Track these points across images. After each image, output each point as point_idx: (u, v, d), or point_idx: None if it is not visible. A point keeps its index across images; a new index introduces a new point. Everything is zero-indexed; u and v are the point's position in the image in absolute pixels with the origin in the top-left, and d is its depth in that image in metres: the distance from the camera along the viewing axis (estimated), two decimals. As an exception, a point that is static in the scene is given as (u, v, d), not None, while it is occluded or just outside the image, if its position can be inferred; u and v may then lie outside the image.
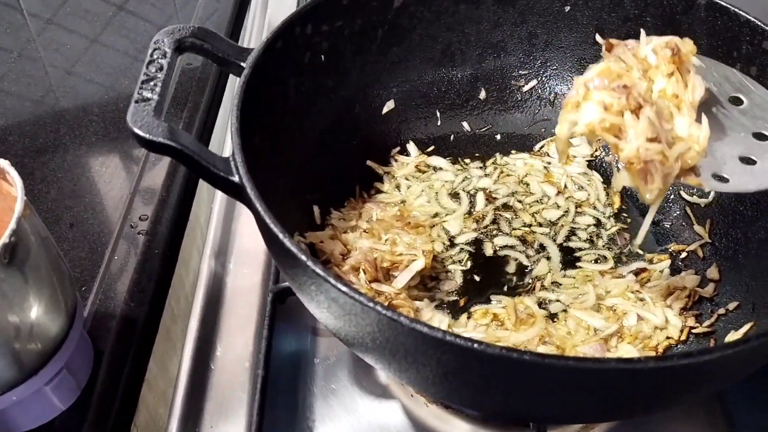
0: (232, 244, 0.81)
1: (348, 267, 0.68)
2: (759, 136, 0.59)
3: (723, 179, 0.57)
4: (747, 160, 0.58)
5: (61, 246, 0.78)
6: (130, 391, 0.69)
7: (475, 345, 0.42)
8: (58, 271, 0.61)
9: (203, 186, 0.90)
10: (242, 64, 0.62)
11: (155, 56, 0.58)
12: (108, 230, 0.80)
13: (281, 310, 0.72)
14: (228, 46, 0.63)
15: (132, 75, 1.02)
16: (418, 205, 0.79)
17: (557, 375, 0.43)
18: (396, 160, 0.83)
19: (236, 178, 0.53)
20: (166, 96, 0.56)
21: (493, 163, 0.84)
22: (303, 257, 0.47)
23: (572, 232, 0.77)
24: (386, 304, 0.65)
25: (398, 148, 0.84)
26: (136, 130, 0.52)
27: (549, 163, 0.83)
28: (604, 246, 0.76)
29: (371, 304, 0.45)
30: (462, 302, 0.71)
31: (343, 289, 0.46)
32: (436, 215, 0.78)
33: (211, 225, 0.83)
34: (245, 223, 0.83)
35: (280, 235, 0.49)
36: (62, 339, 0.61)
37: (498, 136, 0.87)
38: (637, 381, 0.43)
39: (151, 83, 0.55)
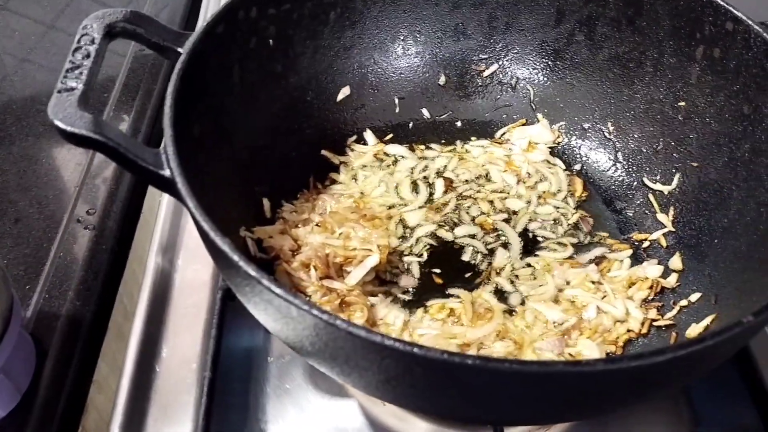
0: (181, 239, 0.78)
1: (298, 263, 0.65)
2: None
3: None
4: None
5: (4, 242, 0.75)
6: (76, 393, 0.67)
7: (415, 350, 0.40)
8: (-12, 270, 0.58)
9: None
10: (179, 49, 0.59)
11: (83, 42, 0.54)
12: (54, 225, 0.77)
13: (233, 307, 0.69)
14: (164, 31, 0.60)
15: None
16: (376, 196, 0.76)
17: (504, 379, 0.41)
18: (352, 150, 0.80)
19: (167, 172, 0.50)
20: (92, 85, 0.52)
21: (453, 150, 0.82)
22: (235, 257, 0.44)
23: (533, 221, 0.75)
24: (339, 301, 0.63)
25: (355, 137, 0.81)
26: (57, 123, 0.48)
27: (510, 150, 0.81)
28: (566, 233, 0.74)
29: (306, 307, 0.42)
30: (418, 297, 0.68)
31: (277, 291, 0.43)
32: (393, 206, 0.75)
33: (159, 219, 0.79)
34: (195, 217, 0.80)
35: (212, 233, 0.46)
36: (-3, 342, 0.58)
37: (458, 123, 0.84)
38: (588, 383, 0.41)
39: (77, 71, 0.52)
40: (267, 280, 0.43)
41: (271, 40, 0.70)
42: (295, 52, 0.74)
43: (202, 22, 1.04)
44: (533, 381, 0.41)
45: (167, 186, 0.50)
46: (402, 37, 0.81)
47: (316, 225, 0.69)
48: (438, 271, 0.70)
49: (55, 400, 0.65)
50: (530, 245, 0.73)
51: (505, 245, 0.72)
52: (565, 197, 0.77)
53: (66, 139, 0.49)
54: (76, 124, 0.48)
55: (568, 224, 0.74)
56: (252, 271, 0.44)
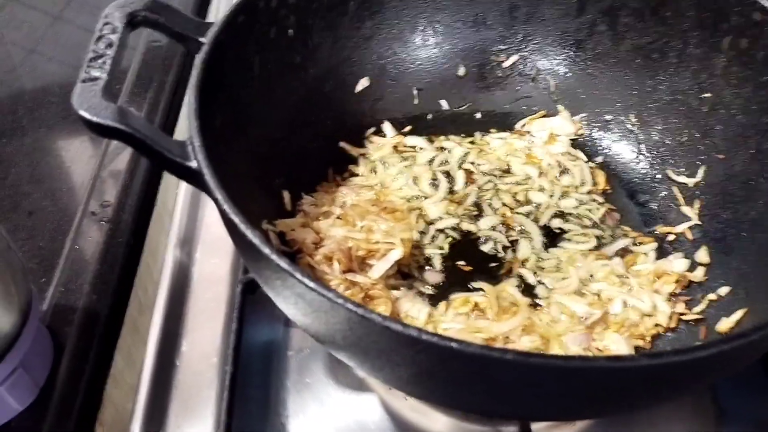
0: (199, 232, 0.77)
1: (321, 257, 0.64)
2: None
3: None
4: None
5: (18, 235, 0.75)
6: (93, 387, 0.66)
7: (453, 344, 0.39)
8: (9, 265, 0.58)
9: (170, 170, 0.86)
10: (201, 39, 0.58)
11: (105, 32, 0.53)
12: (69, 218, 0.76)
13: (251, 301, 0.69)
14: (185, 20, 0.59)
15: (94, 53, 0.98)
16: (395, 189, 0.75)
17: (542, 374, 0.40)
18: (371, 142, 0.79)
19: (194, 164, 0.49)
20: (116, 75, 0.51)
21: (472, 142, 0.81)
22: (266, 250, 0.44)
23: (557, 215, 0.74)
24: (362, 295, 0.62)
25: (373, 129, 0.80)
26: (82, 113, 0.47)
27: (531, 142, 0.80)
28: (590, 226, 0.73)
29: (340, 301, 0.41)
30: (441, 290, 0.67)
31: (310, 284, 0.42)
32: (413, 199, 0.74)
33: (176, 212, 0.79)
34: (213, 210, 0.79)
35: (242, 226, 0.45)
36: (16, 336, 0.58)
37: (478, 115, 0.82)
38: (628, 379, 0.40)
39: (100, 61, 0.51)
40: (300, 273, 0.43)
41: (290, 30, 0.69)
42: (314, 43, 0.73)
43: (214, 12, 1.05)
44: (574, 377, 0.40)
45: (194, 178, 0.49)
46: (421, 28, 0.80)
47: (337, 218, 0.69)
48: (463, 262, 0.70)
49: (73, 394, 0.64)
50: (553, 238, 0.72)
51: (528, 237, 0.72)
52: (590, 190, 0.76)
53: (91, 130, 0.48)
54: (101, 114, 0.47)
55: (593, 219, 0.73)
56: (284, 264, 0.43)
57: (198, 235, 0.77)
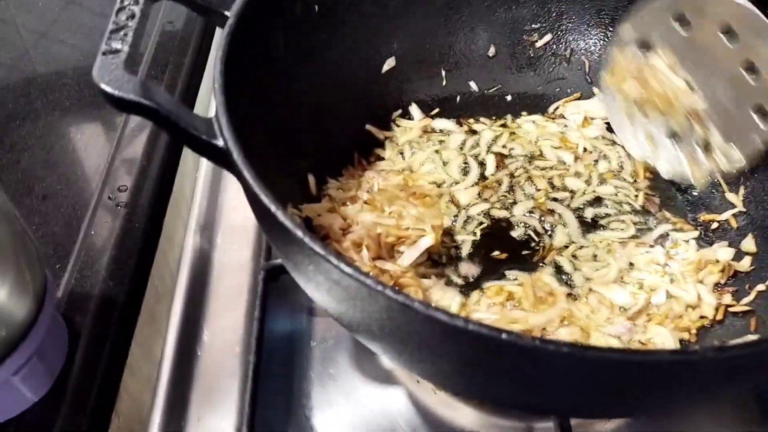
0: (219, 218, 0.74)
1: (349, 243, 0.61)
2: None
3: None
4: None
5: (32, 220, 0.73)
6: (109, 377, 0.64)
7: (504, 336, 0.36)
8: (24, 250, 0.55)
9: (188, 153, 0.84)
10: (226, 13, 0.55)
11: (126, 2, 0.50)
12: (84, 203, 0.74)
13: (274, 289, 0.66)
14: (209, -8, 0.56)
15: (108, 35, 0.96)
16: (424, 173, 0.72)
17: (598, 368, 0.37)
18: (398, 125, 0.76)
19: (220, 142, 0.46)
20: (138, 47, 0.48)
21: (503, 125, 0.78)
22: (299, 233, 0.41)
23: (594, 201, 0.71)
24: (392, 283, 0.59)
25: (399, 111, 0.77)
26: (104, 86, 0.44)
27: (565, 126, 0.77)
28: (630, 212, 0.70)
29: (380, 288, 0.38)
30: (474, 278, 0.64)
31: (347, 270, 0.39)
32: (443, 184, 0.71)
33: (196, 197, 0.76)
34: (233, 195, 0.77)
35: (273, 208, 0.42)
36: (31, 324, 0.56)
37: (508, 97, 0.80)
38: (692, 374, 0.37)
39: (121, 33, 0.48)
40: (335, 257, 0.40)
41: (315, 7, 0.67)
42: (340, 20, 0.70)
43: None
44: (633, 371, 0.37)
45: (221, 156, 0.47)
46: (450, 6, 0.77)
47: (365, 203, 0.66)
48: (491, 251, 0.67)
49: (89, 384, 0.62)
50: (589, 225, 0.69)
51: (564, 224, 0.69)
52: (630, 176, 0.73)
53: (112, 105, 0.45)
54: (123, 87, 0.45)
55: (634, 205, 0.70)
56: (319, 248, 0.40)
57: (218, 221, 0.74)
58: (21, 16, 1.02)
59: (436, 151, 0.74)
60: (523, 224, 0.69)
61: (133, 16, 0.49)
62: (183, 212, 0.82)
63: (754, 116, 0.61)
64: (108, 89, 0.45)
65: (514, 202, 0.71)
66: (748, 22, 0.59)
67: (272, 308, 0.65)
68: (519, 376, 0.42)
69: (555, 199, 0.71)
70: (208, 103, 0.93)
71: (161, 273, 0.75)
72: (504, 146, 0.75)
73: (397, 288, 0.58)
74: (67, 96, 0.87)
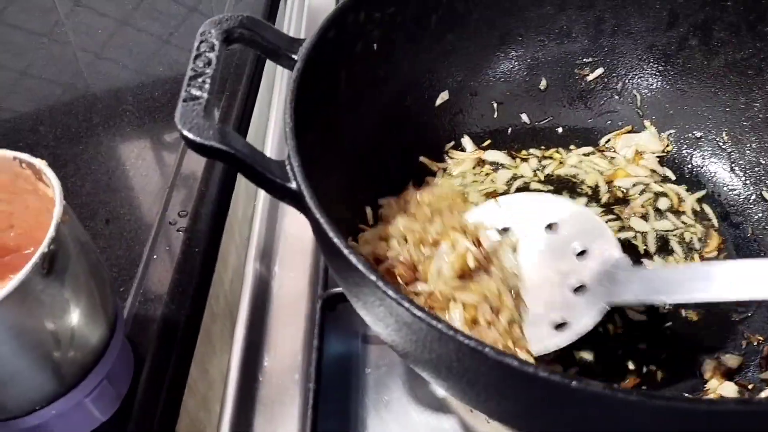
0: (277, 246, 0.76)
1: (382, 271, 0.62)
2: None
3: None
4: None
5: (96, 243, 0.75)
6: (171, 398, 0.66)
7: (573, 383, 0.37)
8: (99, 278, 0.58)
9: (241, 179, 0.86)
10: (293, 56, 0.57)
11: (203, 49, 0.53)
12: (145, 226, 0.76)
13: (331, 317, 0.68)
14: (278, 36, 0.58)
15: (164, 60, 0.99)
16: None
17: (665, 416, 0.39)
18: (450, 157, 0.78)
19: (294, 185, 0.48)
20: (215, 93, 0.51)
21: (552, 157, 0.79)
22: (373, 277, 0.43)
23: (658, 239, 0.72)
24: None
25: (452, 143, 0.79)
26: (186, 133, 0.47)
27: (613, 158, 0.78)
28: (691, 248, 0.70)
29: (451, 332, 0.40)
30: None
31: (419, 314, 0.41)
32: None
33: (255, 224, 0.78)
34: (290, 223, 0.79)
35: (345, 251, 0.44)
36: (103, 349, 0.58)
37: (559, 129, 0.81)
38: (758, 424, 0.38)
39: (200, 80, 0.50)
40: (408, 302, 0.42)
41: (375, 44, 0.69)
42: (397, 56, 0.72)
43: (286, 23, 1.04)
44: (701, 420, 0.38)
45: (293, 198, 0.49)
46: (503, 41, 0.78)
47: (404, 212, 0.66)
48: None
49: (153, 404, 0.64)
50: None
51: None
52: (680, 211, 0.73)
53: (194, 150, 0.48)
54: (204, 135, 0.47)
55: (693, 240, 0.71)
56: (392, 293, 0.42)
57: (276, 249, 0.76)
58: (78, 39, 1.05)
59: (486, 193, 0.75)
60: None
61: (210, 62, 0.52)
62: (236, 235, 0.84)
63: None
64: (190, 136, 0.47)
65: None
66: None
67: (328, 335, 0.67)
68: (585, 419, 0.43)
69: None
70: (259, 128, 0.96)
71: (216, 293, 0.77)
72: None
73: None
74: (127, 121, 0.89)
